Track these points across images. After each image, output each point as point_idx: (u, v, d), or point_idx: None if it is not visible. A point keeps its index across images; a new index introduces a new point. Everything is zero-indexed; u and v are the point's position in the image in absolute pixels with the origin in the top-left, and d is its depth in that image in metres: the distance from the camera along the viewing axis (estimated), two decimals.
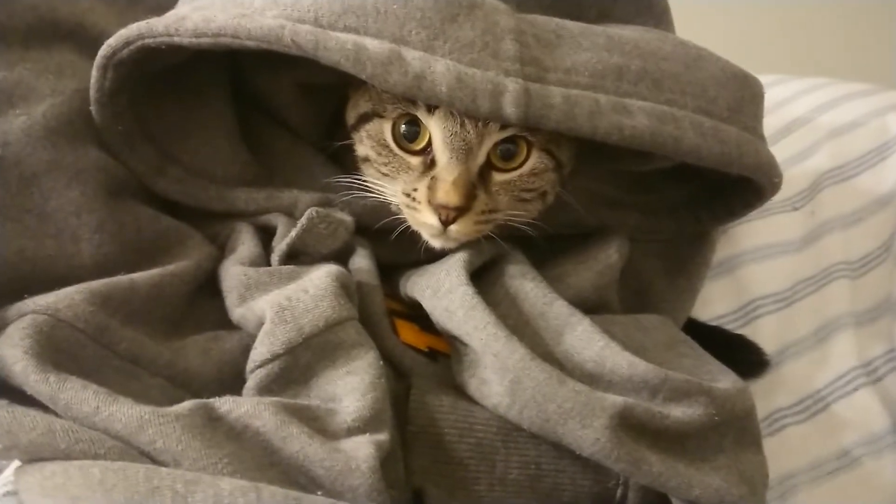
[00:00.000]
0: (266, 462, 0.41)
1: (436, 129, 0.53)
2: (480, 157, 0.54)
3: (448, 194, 0.52)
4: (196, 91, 0.60)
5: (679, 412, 0.48)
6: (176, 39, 0.50)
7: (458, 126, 0.52)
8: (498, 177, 0.55)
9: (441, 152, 0.53)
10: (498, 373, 0.48)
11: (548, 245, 0.61)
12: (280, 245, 0.55)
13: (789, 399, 0.65)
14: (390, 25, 0.49)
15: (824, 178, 0.85)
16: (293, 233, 0.54)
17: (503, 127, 0.53)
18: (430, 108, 0.52)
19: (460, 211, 0.53)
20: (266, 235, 0.58)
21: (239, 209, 0.58)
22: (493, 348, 0.48)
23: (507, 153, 0.55)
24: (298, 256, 0.56)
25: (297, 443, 0.41)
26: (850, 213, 0.83)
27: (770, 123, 0.95)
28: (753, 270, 0.75)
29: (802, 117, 0.94)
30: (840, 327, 0.71)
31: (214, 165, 0.59)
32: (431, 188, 0.53)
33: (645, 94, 0.52)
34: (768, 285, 0.74)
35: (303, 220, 0.54)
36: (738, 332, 0.71)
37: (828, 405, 0.65)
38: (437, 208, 0.53)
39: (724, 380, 0.52)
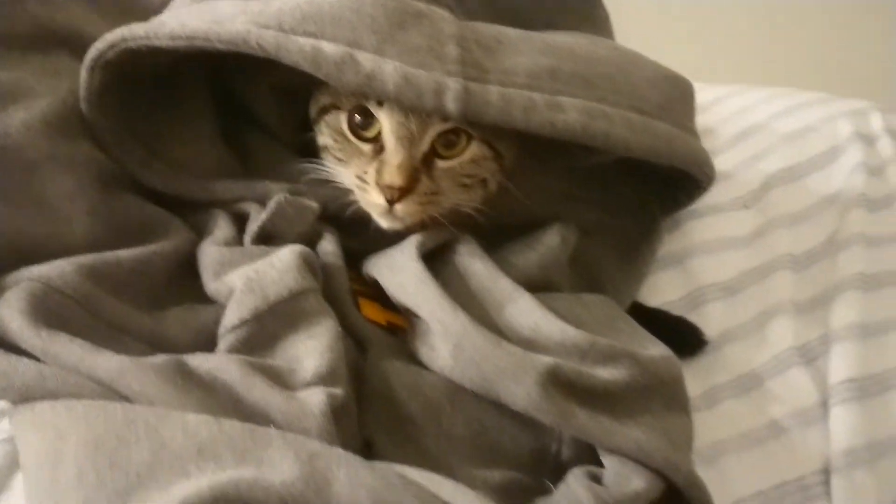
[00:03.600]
0: (231, 407, 0.46)
1: (385, 119, 0.59)
2: (424, 146, 0.59)
3: (393, 176, 0.58)
4: (181, 95, 0.66)
5: (605, 373, 0.53)
6: (155, 42, 0.56)
7: (404, 117, 0.57)
8: (440, 163, 0.61)
9: (388, 139, 0.59)
10: (443, 338, 0.53)
11: (501, 234, 0.66)
12: (252, 227, 0.60)
13: (727, 377, 0.70)
14: (344, 31, 0.55)
15: (775, 179, 0.91)
16: (263, 215, 0.60)
17: (446, 119, 0.58)
18: (380, 101, 0.58)
19: (404, 191, 0.58)
20: (241, 222, 0.64)
21: (218, 198, 0.64)
22: (438, 316, 0.54)
23: (448, 143, 0.60)
24: (270, 240, 0.61)
25: (259, 392, 0.46)
26: (798, 212, 0.88)
27: (728, 130, 1.02)
28: (702, 262, 0.80)
29: (759, 123, 1.00)
30: (780, 313, 0.75)
31: (196, 161, 0.65)
32: (379, 171, 0.59)
33: (578, 92, 0.58)
34: (715, 275, 0.78)
35: (272, 204, 0.60)
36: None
37: (762, 382, 0.70)
38: (384, 188, 0.58)
39: (653, 349, 0.57)
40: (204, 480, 0.38)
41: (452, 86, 0.54)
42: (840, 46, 1.77)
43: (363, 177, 0.60)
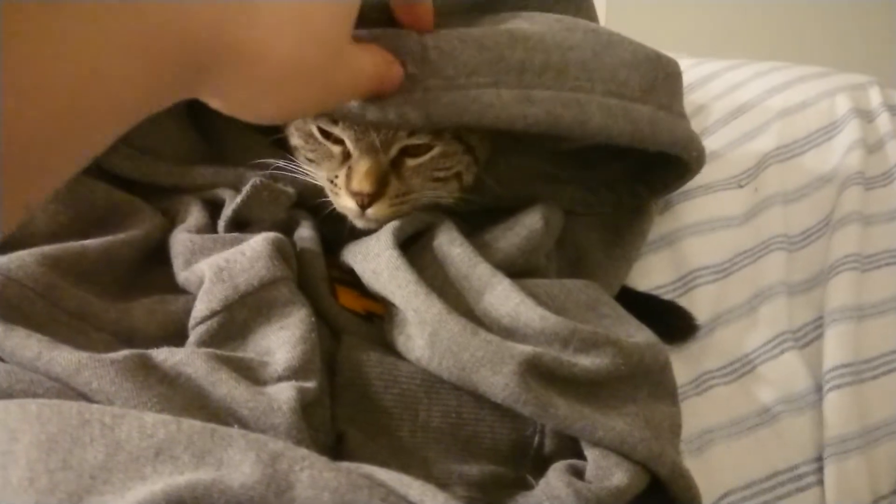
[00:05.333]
0: (196, 404, 0.44)
1: (343, 135, 0.58)
2: (392, 152, 0.58)
3: (361, 183, 0.57)
4: None
5: (587, 361, 0.51)
6: None
7: (363, 132, 0.57)
8: (410, 162, 0.59)
9: (352, 150, 0.58)
10: (418, 327, 0.52)
11: (483, 217, 0.64)
12: (225, 212, 0.58)
13: (718, 362, 0.68)
14: None
15: (769, 157, 0.88)
16: (238, 199, 0.58)
17: (413, 133, 0.57)
18: (335, 120, 0.57)
19: (373, 197, 0.58)
20: (215, 209, 0.62)
21: (188, 183, 0.62)
22: (413, 304, 0.52)
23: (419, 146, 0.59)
24: (245, 227, 0.59)
25: (226, 387, 0.45)
26: (794, 190, 0.86)
27: (722, 106, 0.99)
28: (694, 243, 0.78)
29: (753, 100, 0.97)
30: (773, 296, 0.74)
31: (165, 146, 0.63)
32: (348, 176, 0.58)
33: (549, 84, 0.55)
34: (708, 257, 0.77)
35: (247, 188, 0.58)
36: (676, 301, 0.74)
37: (754, 367, 0.68)
38: (354, 195, 0.58)
39: (638, 335, 0.55)
40: (159, 484, 0.36)
41: (414, 98, 0.52)
42: (841, 19, 1.74)
43: (335, 181, 0.60)
